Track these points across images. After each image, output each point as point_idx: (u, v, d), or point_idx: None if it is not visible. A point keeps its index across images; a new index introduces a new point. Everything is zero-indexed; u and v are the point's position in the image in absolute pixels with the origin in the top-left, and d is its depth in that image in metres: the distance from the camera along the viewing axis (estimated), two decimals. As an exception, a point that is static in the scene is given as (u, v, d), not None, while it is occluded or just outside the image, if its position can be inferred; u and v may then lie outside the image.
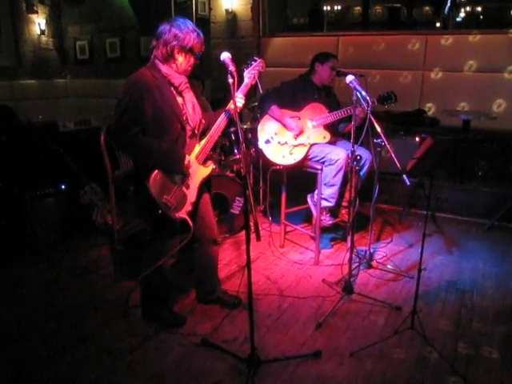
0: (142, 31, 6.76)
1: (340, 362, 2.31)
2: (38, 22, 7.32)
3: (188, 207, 2.39)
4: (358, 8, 9.10)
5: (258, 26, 5.68)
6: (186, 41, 2.23)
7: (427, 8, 8.92)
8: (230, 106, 2.36)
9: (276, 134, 3.43)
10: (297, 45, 5.52)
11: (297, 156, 3.40)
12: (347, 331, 2.57)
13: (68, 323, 2.66)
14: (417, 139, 4.26)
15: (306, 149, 3.41)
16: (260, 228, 3.75)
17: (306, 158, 3.42)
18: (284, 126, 3.41)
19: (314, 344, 2.46)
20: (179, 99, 2.34)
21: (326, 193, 3.40)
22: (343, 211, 3.63)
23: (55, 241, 3.63)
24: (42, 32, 7.41)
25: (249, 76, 2.49)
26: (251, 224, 2.32)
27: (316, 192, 3.41)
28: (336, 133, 3.63)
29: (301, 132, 3.40)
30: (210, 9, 5.73)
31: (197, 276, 2.80)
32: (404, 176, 2.45)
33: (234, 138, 4.00)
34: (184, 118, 2.34)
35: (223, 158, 3.94)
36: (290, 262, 3.46)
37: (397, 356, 2.36)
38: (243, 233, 3.76)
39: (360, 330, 2.59)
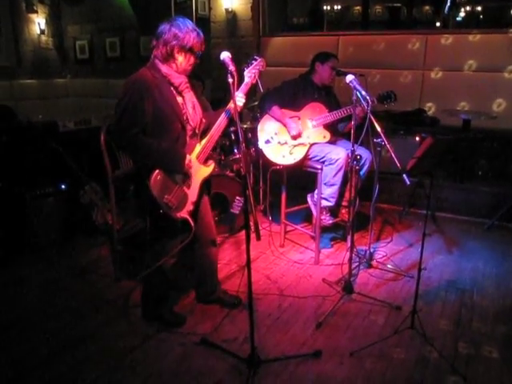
0: (142, 31, 6.76)
1: (340, 362, 2.31)
2: (38, 22, 7.32)
3: (189, 207, 2.39)
4: (358, 7, 9.11)
5: (258, 25, 5.68)
6: (185, 40, 2.23)
7: (427, 7, 8.92)
8: (231, 105, 2.35)
9: (276, 133, 3.43)
10: (297, 44, 5.51)
11: (297, 156, 3.40)
12: (347, 331, 2.57)
13: (68, 323, 2.66)
14: (417, 139, 4.25)
15: (305, 148, 3.41)
16: (260, 228, 3.75)
17: (305, 157, 3.42)
18: (284, 126, 3.41)
19: (314, 343, 2.46)
20: (179, 99, 2.33)
21: (326, 192, 3.40)
22: (343, 211, 3.63)
23: (55, 241, 3.63)
24: (42, 32, 7.41)
25: (249, 75, 2.49)
26: (251, 224, 2.32)
27: (316, 191, 3.41)
28: (336, 132, 3.63)
29: (299, 135, 3.40)
30: (210, 8, 5.73)
31: (197, 276, 2.80)
32: (404, 175, 2.46)
33: (233, 137, 4.00)
34: (184, 117, 2.33)
35: (223, 157, 3.94)
36: (290, 261, 3.46)
37: (397, 356, 2.36)
38: (243, 232, 3.76)
39: (360, 329, 2.59)
